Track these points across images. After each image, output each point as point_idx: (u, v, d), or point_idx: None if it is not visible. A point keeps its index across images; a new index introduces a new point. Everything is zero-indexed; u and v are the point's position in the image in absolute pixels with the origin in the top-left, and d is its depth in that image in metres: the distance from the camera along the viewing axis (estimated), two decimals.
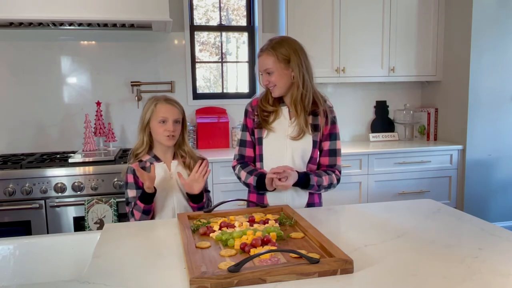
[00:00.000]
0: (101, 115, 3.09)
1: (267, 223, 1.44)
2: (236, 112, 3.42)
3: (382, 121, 3.79)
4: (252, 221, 1.46)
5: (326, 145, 1.81)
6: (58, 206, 2.59)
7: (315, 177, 1.75)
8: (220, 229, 1.38)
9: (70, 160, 2.69)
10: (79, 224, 2.61)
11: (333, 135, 1.81)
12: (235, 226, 1.40)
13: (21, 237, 1.47)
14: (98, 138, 3.10)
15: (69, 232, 2.56)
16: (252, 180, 1.76)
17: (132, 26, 3.06)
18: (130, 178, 1.76)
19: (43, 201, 2.58)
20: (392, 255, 1.21)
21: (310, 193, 1.82)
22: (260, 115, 1.80)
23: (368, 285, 1.04)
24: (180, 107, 1.82)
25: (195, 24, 3.46)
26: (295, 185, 1.72)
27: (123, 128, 3.31)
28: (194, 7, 3.46)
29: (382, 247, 1.27)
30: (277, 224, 1.44)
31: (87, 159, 2.73)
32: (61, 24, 2.94)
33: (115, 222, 2.45)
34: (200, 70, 3.55)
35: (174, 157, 1.85)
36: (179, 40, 3.34)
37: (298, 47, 1.76)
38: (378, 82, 3.63)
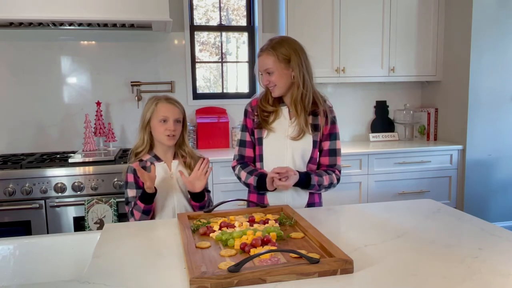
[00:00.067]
0: (101, 115, 3.09)
1: (267, 223, 1.44)
2: (236, 112, 3.42)
3: (382, 121, 3.79)
4: (252, 221, 1.45)
5: (326, 145, 1.81)
6: (58, 206, 2.59)
7: (316, 177, 1.75)
8: (220, 229, 1.38)
9: (70, 160, 2.69)
10: (79, 224, 2.61)
11: (333, 135, 1.82)
12: (235, 226, 1.40)
13: (21, 237, 1.47)
14: (98, 138, 3.10)
15: (69, 232, 2.56)
16: (252, 180, 1.76)
17: (132, 26, 3.06)
18: (130, 178, 1.76)
19: (43, 201, 2.58)
20: (392, 255, 1.21)
21: (310, 193, 1.82)
22: (260, 115, 1.80)
23: (368, 285, 1.04)
24: (181, 107, 1.83)
25: (195, 24, 3.46)
26: (296, 185, 1.72)
27: (123, 128, 3.31)
28: (194, 7, 3.46)
29: (382, 247, 1.27)
30: (277, 224, 1.44)
31: (87, 159, 2.73)
32: (61, 24, 2.94)
33: (115, 222, 2.44)
34: (200, 70, 3.55)
35: (174, 157, 1.85)
36: (179, 40, 3.34)
37: (298, 47, 1.76)
38: (378, 82, 3.63)
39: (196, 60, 3.49)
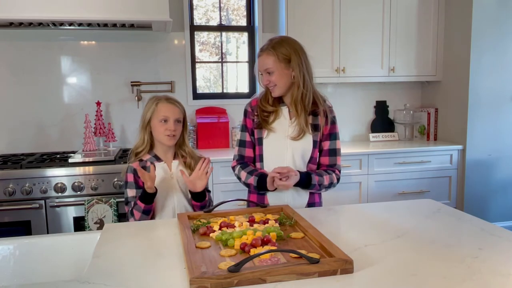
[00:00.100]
0: (101, 115, 3.09)
1: (267, 223, 1.44)
2: (236, 112, 3.42)
3: (382, 121, 3.79)
4: (252, 221, 1.45)
5: (326, 144, 1.82)
6: (58, 206, 2.59)
7: (317, 177, 1.75)
8: (220, 229, 1.38)
9: (70, 160, 2.69)
10: (79, 224, 2.61)
11: (333, 135, 1.82)
12: (235, 226, 1.40)
13: (21, 237, 1.47)
14: (98, 138, 3.10)
15: (69, 232, 2.56)
16: (252, 180, 1.76)
17: (132, 26, 3.06)
18: (130, 178, 1.76)
19: (43, 201, 2.58)
20: (392, 255, 1.21)
21: (310, 193, 1.83)
22: (260, 115, 1.80)
23: (368, 285, 1.04)
24: (182, 107, 1.83)
25: (195, 24, 3.46)
26: (296, 185, 1.72)
27: (123, 128, 3.31)
28: (194, 7, 3.46)
29: (382, 247, 1.27)
30: (277, 224, 1.44)
31: (87, 159, 2.73)
32: (61, 24, 2.94)
33: (115, 222, 2.44)
34: (200, 70, 3.55)
35: (174, 157, 1.85)
36: (179, 40, 3.34)
37: (298, 47, 1.76)
38: (378, 82, 3.63)
39: (196, 60, 3.49)
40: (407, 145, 3.43)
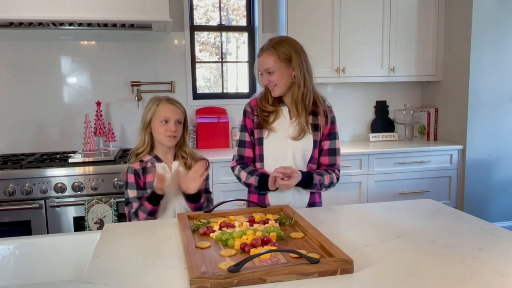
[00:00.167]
0: (101, 115, 3.09)
1: (267, 223, 1.44)
2: (236, 112, 3.42)
3: (382, 121, 3.79)
4: (252, 221, 1.45)
5: (326, 144, 1.82)
6: (58, 206, 2.59)
7: (318, 176, 1.76)
8: (220, 229, 1.38)
9: (70, 160, 2.69)
10: (79, 224, 2.61)
11: (332, 135, 1.83)
12: (235, 226, 1.40)
13: (21, 237, 1.47)
14: (98, 138, 3.10)
15: (69, 232, 2.56)
16: (253, 180, 1.76)
17: (132, 26, 3.06)
18: (131, 178, 1.76)
19: (43, 201, 2.58)
20: (392, 255, 1.21)
21: (311, 193, 1.83)
22: (260, 115, 1.80)
23: (368, 285, 1.04)
24: (182, 108, 1.82)
25: (195, 24, 3.46)
26: (298, 184, 1.72)
27: (123, 128, 3.31)
28: (194, 7, 3.46)
29: (382, 247, 1.27)
30: (277, 224, 1.44)
31: (87, 159, 2.73)
32: (61, 24, 2.94)
33: (115, 222, 2.44)
34: (200, 70, 3.55)
35: (174, 158, 1.85)
36: (179, 40, 3.34)
37: (298, 46, 1.76)
38: (378, 82, 3.63)
39: (196, 60, 3.49)
40: (407, 145, 3.43)
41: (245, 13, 3.58)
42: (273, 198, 1.80)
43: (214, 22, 3.54)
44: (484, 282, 1.04)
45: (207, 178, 1.91)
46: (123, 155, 2.90)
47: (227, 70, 3.62)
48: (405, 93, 3.82)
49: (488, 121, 3.36)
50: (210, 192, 1.92)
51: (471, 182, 3.36)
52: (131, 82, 3.25)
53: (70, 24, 2.95)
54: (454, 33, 3.42)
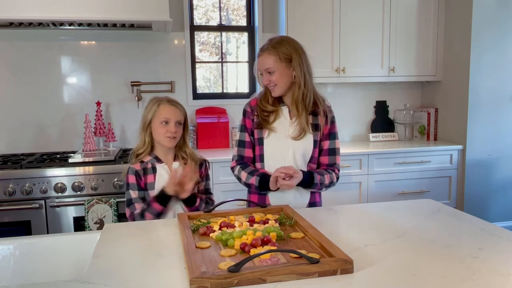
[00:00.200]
0: (101, 115, 3.09)
1: (267, 223, 1.44)
2: (236, 112, 3.42)
3: (382, 121, 3.79)
4: (252, 221, 1.45)
5: (326, 144, 1.82)
6: (58, 206, 2.59)
7: (318, 176, 1.76)
8: (220, 229, 1.38)
9: (70, 160, 2.69)
10: (79, 224, 2.60)
11: (332, 135, 1.83)
12: (235, 226, 1.40)
13: (21, 237, 1.47)
14: (98, 138, 3.10)
15: (69, 232, 2.56)
16: (254, 180, 1.76)
17: (132, 26, 3.06)
18: (132, 179, 1.75)
19: (43, 201, 2.58)
20: (392, 255, 1.21)
21: (311, 192, 1.83)
22: (260, 115, 1.80)
23: (368, 285, 1.04)
24: (183, 109, 1.82)
25: (195, 24, 3.46)
26: (299, 184, 1.72)
27: (123, 128, 3.31)
28: (194, 7, 3.46)
29: (382, 247, 1.27)
30: (277, 224, 1.43)
31: (87, 159, 2.73)
32: (61, 24, 2.94)
33: (115, 222, 2.45)
34: (200, 70, 3.55)
35: (174, 159, 1.84)
36: (179, 40, 3.34)
37: (298, 46, 1.76)
38: (378, 82, 3.63)
39: (196, 60, 3.49)
40: (407, 145, 3.43)
41: (245, 13, 3.58)
42: (273, 198, 1.80)
43: (214, 22, 3.54)
44: (484, 282, 1.04)
45: (207, 179, 1.92)
46: (123, 155, 2.90)
47: (227, 70, 3.62)
48: (405, 93, 3.82)
49: (488, 121, 3.36)
50: (211, 193, 1.91)
51: (471, 182, 3.36)
52: (131, 82, 3.25)
53: (70, 24, 2.95)
54: (454, 33, 3.42)
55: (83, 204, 2.48)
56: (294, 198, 1.80)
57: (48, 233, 2.56)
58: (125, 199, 1.79)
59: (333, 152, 1.83)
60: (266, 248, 1.21)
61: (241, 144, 1.85)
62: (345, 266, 1.08)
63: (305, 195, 1.82)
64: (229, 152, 3.05)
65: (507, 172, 3.44)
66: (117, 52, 3.24)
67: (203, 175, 1.88)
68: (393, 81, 3.58)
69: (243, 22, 3.58)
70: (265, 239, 1.25)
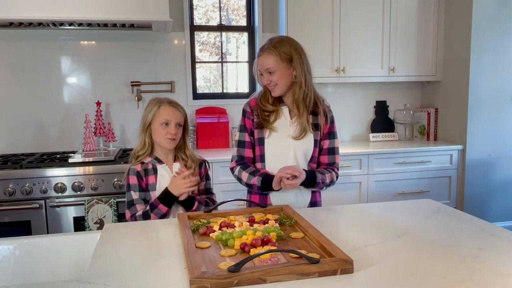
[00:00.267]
0: (101, 115, 3.09)
1: (267, 223, 1.44)
2: (236, 112, 3.41)
3: (382, 121, 3.79)
4: (252, 221, 1.45)
5: (326, 143, 1.83)
6: (58, 206, 2.59)
7: (320, 175, 1.77)
8: (220, 229, 1.38)
9: (70, 160, 2.69)
10: (79, 224, 2.61)
11: (332, 134, 1.84)
12: (235, 226, 1.40)
13: (21, 237, 1.47)
14: (98, 138, 3.10)
15: (69, 232, 2.56)
16: (256, 180, 1.75)
17: (132, 26, 3.06)
18: (133, 180, 1.75)
19: (43, 201, 2.58)
20: (392, 255, 1.21)
21: (312, 192, 1.84)
22: (261, 114, 1.80)
23: (368, 285, 1.04)
24: (183, 111, 1.82)
25: (195, 24, 3.46)
26: (301, 184, 1.72)
27: (123, 128, 3.31)
28: (194, 7, 3.46)
29: (382, 247, 1.27)
30: (277, 224, 1.43)
31: (87, 159, 2.73)
32: (61, 24, 2.94)
33: (115, 222, 2.45)
34: (200, 70, 3.55)
35: (174, 160, 1.84)
36: (179, 40, 3.34)
37: (298, 46, 1.77)
38: (378, 82, 3.63)
39: (196, 60, 3.49)
40: (407, 145, 3.43)
41: (245, 13, 3.58)
42: (275, 198, 1.80)
43: (214, 22, 3.54)
44: (484, 282, 1.04)
45: (207, 179, 1.92)
46: (123, 155, 2.90)
47: (227, 70, 3.62)
48: (405, 93, 3.82)
49: (488, 121, 3.36)
50: (212, 193, 1.91)
51: (471, 182, 3.36)
52: (131, 82, 3.25)
53: (70, 24, 2.95)
54: (454, 33, 3.42)
55: (83, 204, 2.48)
56: (295, 198, 1.80)
57: (48, 233, 2.57)
58: (125, 200, 1.78)
59: (333, 151, 1.84)
60: (266, 248, 1.21)
61: (241, 144, 1.84)
62: (345, 266, 1.08)
63: (306, 195, 1.83)
64: (229, 152, 3.05)
65: (507, 172, 3.44)
66: (117, 52, 3.24)
67: (203, 175, 1.88)
68: (393, 81, 3.58)
69: (243, 22, 3.58)
70: (265, 239, 1.25)
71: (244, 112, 1.85)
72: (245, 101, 1.87)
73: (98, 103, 3.10)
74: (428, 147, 3.35)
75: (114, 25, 2.99)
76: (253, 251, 1.19)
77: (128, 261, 1.21)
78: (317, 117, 1.81)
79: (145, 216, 1.70)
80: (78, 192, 2.62)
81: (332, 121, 1.84)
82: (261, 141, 1.81)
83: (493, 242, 1.31)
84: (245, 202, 1.88)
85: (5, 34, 3.04)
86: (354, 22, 3.32)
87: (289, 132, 1.79)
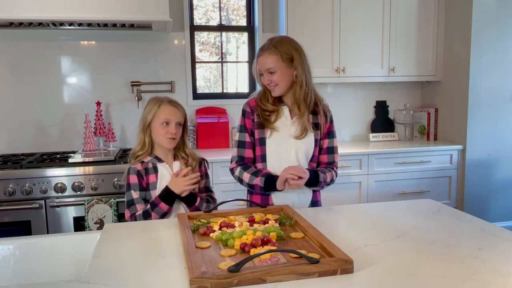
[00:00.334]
0: (101, 115, 3.09)
1: (267, 223, 1.44)
2: (236, 112, 3.40)
3: (382, 121, 3.79)
4: (252, 221, 1.45)
5: (325, 143, 1.85)
6: (58, 206, 2.59)
7: (322, 174, 1.77)
8: (220, 229, 1.38)
9: (70, 160, 2.69)
10: (79, 224, 2.61)
11: (331, 133, 1.85)
12: (235, 226, 1.40)
13: (21, 237, 1.47)
14: (98, 138, 3.10)
15: (69, 232, 2.56)
16: (258, 181, 1.75)
17: (132, 26, 3.06)
18: (133, 179, 1.74)
19: (43, 201, 2.58)
20: (392, 255, 1.21)
21: (313, 191, 1.84)
22: (262, 114, 1.79)
23: (368, 285, 1.04)
24: (183, 110, 1.82)
25: (195, 24, 3.46)
26: (305, 183, 1.72)
27: (123, 128, 3.31)
28: (194, 7, 3.46)
29: (382, 247, 1.27)
30: (277, 224, 1.44)
31: (87, 159, 2.73)
32: (61, 24, 2.94)
33: (115, 222, 2.45)
34: (200, 70, 3.55)
35: (174, 158, 1.84)
36: (179, 40, 3.34)
37: (298, 46, 1.77)
38: (378, 82, 3.63)
39: (196, 60, 3.49)
40: (407, 145, 3.43)
41: (245, 13, 3.58)
42: (277, 199, 1.80)
43: (214, 22, 3.54)
44: (484, 282, 1.04)
45: (207, 177, 1.92)
46: (123, 155, 2.90)
47: (227, 70, 3.62)
48: (405, 93, 3.82)
49: (488, 121, 3.36)
50: (211, 191, 1.91)
51: (471, 182, 3.36)
52: (131, 82, 3.25)
53: (70, 24, 2.95)
54: (454, 33, 3.42)
55: (83, 204, 2.48)
56: (298, 198, 1.81)
57: (48, 233, 2.56)
58: (125, 200, 1.77)
59: (332, 150, 1.85)
60: (266, 248, 1.21)
61: (241, 144, 1.84)
62: (345, 266, 1.08)
63: (308, 194, 1.83)
64: (229, 152, 3.04)
65: (507, 172, 3.44)
66: (117, 52, 3.24)
67: (203, 173, 1.88)
68: (393, 81, 3.58)
69: (243, 22, 3.59)
70: (265, 239, 1.25)
71: (244, 112, 1.84)
72: (245, 101, 1.87)
73: (98, 103, 3.10)
74: (428, 147, 3.35)
75: (114, 25, 2.99)
76: (253, 251, 1.19)
77: (128, 261, 1.21)
78: (317, 117, 1.82)
79: (146, 215, 1.69)
80: (78, 192, 2.62)
81: (331, 121, 1.86)
82: (262, 141, 1.80)
83: (493, 242, 1.31)
84: (245, 202, 1.88)
85: (5, 34, 3.04)
86: (354, 22, 3.32)
87: (290, 132, 1.79)
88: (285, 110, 1.81)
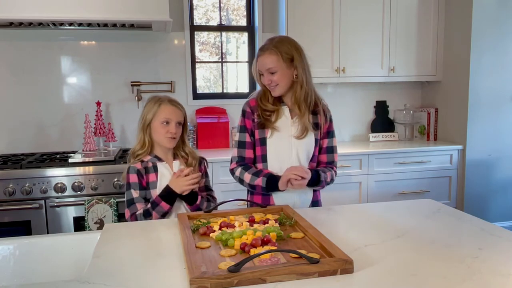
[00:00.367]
0: (101, 115, 3.09)
1: (267, 223, 1.44)
2: (236, 112, 3.40)
3: (382, 121, 3.79)
4: (252, 221, 1.45)
5: (325, 142, 1.85)
6: (58, 206, 2.59)
7: (322, 174, 1.78)
8: (220, 229, 1.38)
9: (70, 160, 2.69)
10: (79, 224, 2.61)
11: (330, 133, 1.86)
12: (235, 226, 1.40)
13: (21, 237, 1.47)
14: (98, 138, 3.10)
15: (69, 232, 2.56)
16: (260, 181, 1.75)
17: (132, 26, 3.06)
18: (133, 178, 1.74)
19: (43, 201, 2.58)
20: (392, 255, 1.21)
21: (314, 191, 1.85)
22: (262, 114, 1.79)
23: (368, 285, 1.04)
24: (183, 109, 1.82)
25: (195, 24, 3.46)
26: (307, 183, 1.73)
27: (123, 128, 3.32)
28: (194, 7, 3.46)
29: (382, 247, 1.27)
30: (277, 224, 1.44)
31: (87, 159, 2.73)
32: (61, 24, 2.94)
33: (115, 222, 2.45)
34: (200, 70, 3.55)
35: (174, 158, 1.84)
36: (179, 40, 3.34)
37: (298, 46, 1.78)
38: (378, 82, 3.63)
39: (196, 60, 3.49)
40: (407, 145, 3.43)
41: (245, 13, 3.58)
42: (278, 199, 1.80)
43: (214, 22, 3.54)
44: (484, 282, 1.04)
45: (207, 176, 1.92)
46: (123, 155, 2.90)
47: (227, 70, 3.62)
48: (405, 93, 3.82)
49: (488, 121, 3.36)
50: (211, 190, 1.91)
51: (471, 182, 3.36)
52: (131, 82, 3.25)
53: (70, 24, 2.95)
54: (454, 33, 3.42)
55: (83, 204, 2.48)
56: (299, 198, 1.81)
57: (48, 233, 2.56)
58: (125, 199, 1.77)
59: (331, 150, 1.86)
60: (266, 248, 1.21)
61: (241, 145, 1.83)
62: (345, 266, 1.08)
63: (308, 194, 1.84)
64: (229, 152, 3.04)
65: (507, 172, 3.44)
66: (117, 52, 3.24)
67: (203, 172, 1.88)
68: (393, 81, 3.58)
69: (243, 22, 3.58)
70: (265, 239, 1.25)
71: (244, 113, 1.84)
72: (245, 101, 1.87)
73: (98, 103, 3.10)
74: (428, 147, 3.35)
75: (114, 25, 2.99)
76: (253, 251, 1.19)
77: (128, 261, 1.21)
78: (317, 116, 1.82)
79: (146, 214, 1.69)
80: (78, 192, 2.62)
81: (331, 120, 1.86)
82: (263, 141, 1.80)
83: (493, 242, 1.31)
84: (245, 202, 1.88)
85: (5, 34, 3.04)
86: (354, 22, 3.32)
87: (290, 132, 1.79)
88: (286, 110, 1.81)
